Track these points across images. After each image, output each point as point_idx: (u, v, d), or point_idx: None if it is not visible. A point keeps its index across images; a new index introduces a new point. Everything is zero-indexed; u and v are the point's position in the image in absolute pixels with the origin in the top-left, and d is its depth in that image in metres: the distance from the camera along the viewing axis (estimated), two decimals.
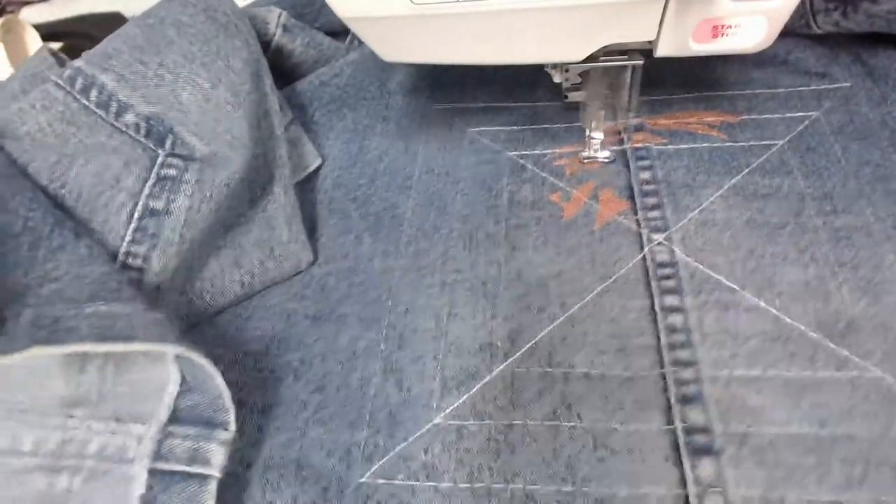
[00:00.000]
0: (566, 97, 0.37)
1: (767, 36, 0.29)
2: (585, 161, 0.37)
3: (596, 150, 0.37)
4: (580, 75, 0.35)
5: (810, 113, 0.37)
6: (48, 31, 0.52)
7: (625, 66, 0.33)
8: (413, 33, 0.30)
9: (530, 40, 0.30)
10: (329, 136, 0.41)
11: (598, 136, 0.36)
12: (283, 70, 0.43)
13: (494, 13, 0.28)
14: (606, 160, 0.37)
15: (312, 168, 0.39)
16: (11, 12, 0.56)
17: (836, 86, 0.38)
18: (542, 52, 0.32)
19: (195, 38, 0.33)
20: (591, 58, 0.31)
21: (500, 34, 0.30)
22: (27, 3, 0.56)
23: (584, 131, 0.37)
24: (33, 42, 0.51)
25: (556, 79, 0.36)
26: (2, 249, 0.25)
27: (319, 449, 0.27)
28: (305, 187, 0.38)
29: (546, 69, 0.36)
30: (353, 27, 0.31)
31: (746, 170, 0.35)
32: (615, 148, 0.37)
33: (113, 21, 0.52)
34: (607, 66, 0.33)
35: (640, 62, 0.33)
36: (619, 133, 0.38)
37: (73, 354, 0.26)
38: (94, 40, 0.35)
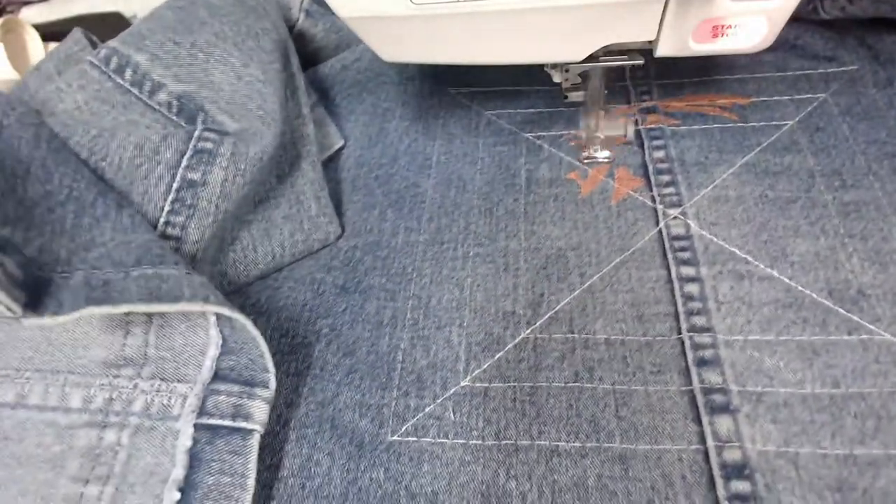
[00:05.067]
0: (566, 97, 0.37)
1: (767, 36, 0.29)
2: (585, 161, 0.38)
3: (596, 150, 0.37)
4: (580, 75, 0.36)
5: (818, 95, 0.38)
6: (48, 31, 0.52)
7: (625, 66, 0.33)
8: (413, 33, 0.31)
9: (530, 40, 0.31)
10: (350, 119, 0.42)
11: (598, 135, 0.37)
12: (305, 54, 0.44)
13: (494, 13, 0.28)
14: (606, 160, 0.37)
15: (336, 148, 0.40)
16: (11, 12, 0.56)
17: (843, 69, 0.40)
18: (542, 52, 0.32)
19: (226, 18, 0.34)
20: (591, 58, 0.32)
21: (500, 34, 0.30)
22: (27, 3, 0.57)
23: (588, 126, 0.37)
24: (33, 42, 0.51)
25: (556, 79, 0.36)
26: (49, 217, 0.26)
27: (352, 409, 0.28)
28: (329, 166, 0.39)
29: (546, 69, 0.36)
30: (353, 27, 0.31)
31: (758, 148, 0.36)
32: (631, 127, 0.38)
33: (112, 21, 0.52)
34: (607, 66, 0.34)
35: (640, 62, 0.33)
36: (629, 115, 0.39)
37: (118, 319, 0.27)
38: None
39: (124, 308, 0.22)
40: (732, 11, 0.28)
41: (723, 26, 0.29)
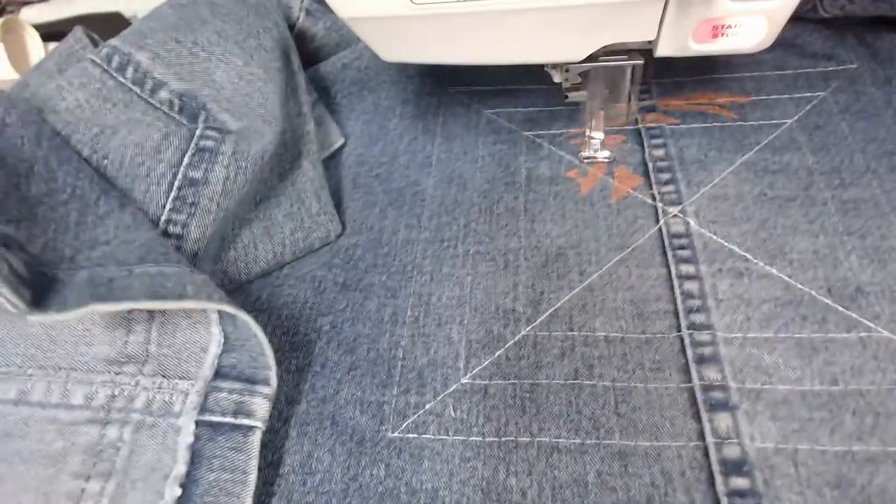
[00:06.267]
0: (566, 97, 0.37)
1: (767, 36, 0.29)
2: (585, 161, 0.38)
3: (596, 150, 0.37)
4: (580, 75, 0.36)
5: (818, 93, 0.39)
6: (48, 31, 0.52)
7: (625, 66, 0.33)
8: (413, 33, 0.31)
9: (530, 40, 0.31)
10: (350, 117, 0.43)
11: (598, 135, 0.37)
12: (306, 53, 0.44)
13: (494, 13, 0.28)
14: (607, 160, 0.37)
15: (336, 146, 0.40)
16: (11, 12, 0.56)
17: (842, 67, 0.40)
18: (542, 52, 0.32)
19: (228, 17, 0.34)
20: (591, 58, 0.32)
21: (500, 34, 0.30)
22: (27, 3, 0.57)
23: (588, 126, 0.37)
24: (33, 42, 0.51)
25: (556, 79, 0.36)
26: (53, 215, 0.26)
27: (353, 406, 0.29)
28: (329, 164, 0.39)
29: (546, 69, 0.36)
30: (354, 27, 0.31)
31: (757, 147, 0.36)
32: (629, 128, 0.38)
33: (113, 21, 0.52)
34: (607, 66, 0.33)
35: (640, 62, 0.33)
36: (629, 114, 0.39)
37: (120, 317, 0.27)
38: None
39: (128, 305, 0.23)
40: (732, 11, 0.28)
41: (723, 26, 0.29)
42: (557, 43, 0.31)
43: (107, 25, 0.48)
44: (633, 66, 0.33)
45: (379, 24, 0.30)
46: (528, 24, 0.29)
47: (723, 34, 0.29)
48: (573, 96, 0.37)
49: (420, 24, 0.30)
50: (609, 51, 0.32)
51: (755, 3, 0.28)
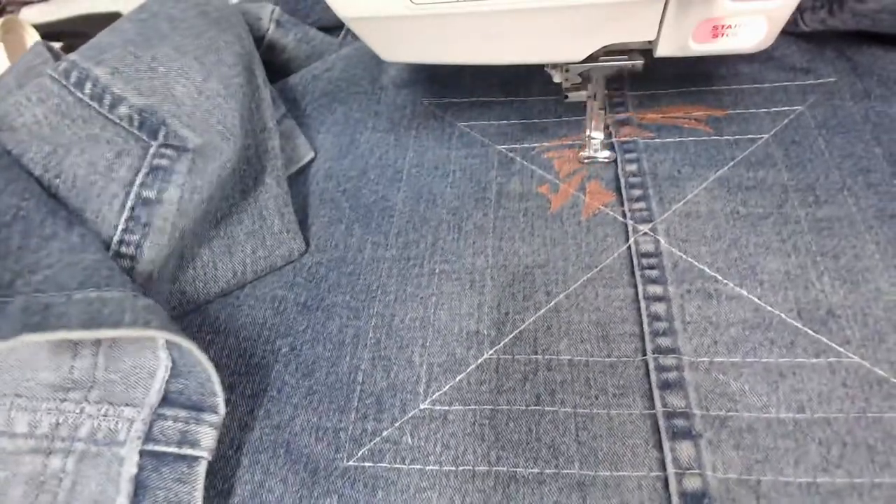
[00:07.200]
0: (566, 97, 0.37)
1: (767, 36, 0.29)
2: (585, 161, 0.37)
3: (596, 150, 0.37)
4: (580, 75, 0.36)
5: (795, 107, 0.38)
6: (48, 31, 0.52)
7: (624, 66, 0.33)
8: (413, 33, 0.31)
9: (530, 40, 0.30)
10: (320, 130, 0.42)
11: (598, 135, 0.37)
12: (276, 65, 0.43)
13: (494, 13, 0.28)
14: (606, 160, 0.37)
15: (305, 161, 0.39)
16: (11, 12, 0.56)
17: (820, 81, 0.39)
18: (542, 52, 0.32)
19: (187, 32, 0.33)
20: (591, 58, 0.32)
21: (500, 34, 0.30)
22: (27, 3, 0.57)
23: (580, 126, 0.37)
24: (33, 42, 0.51)
25: (556, 79, 0.36)
26: None
27: (308, 433, 0.28)
28: (297, 179, 0.39)
29: (546, 69, 0.36)
30: (353, 27, 0.31)
31: (731, 162, 0.35)
32: (606, 140, 0.38)
33: (113, 21, 0.52)
34: (607, 66, 0.33)
35: (640, 62, 0.33)
36: (607, 128, 0.38)
37: (65, 342, 0.26)
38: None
39: (61, 335, 0.22)
40: (732, 11, 0.28)
41: (723, 26, 0.29)
42: (557, 43, 0.31)
43: (107, 25, 0.47)
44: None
45: (379, 24, 0.30)
46: (528, 24, 0.29)
47: (723, 34, 0.29)
48: (573, 96, 0.37)
49: (420, 24, 0.30)
50: (609, 51, 0.32)
51: (755, 3, 0.28)
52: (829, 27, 0.39)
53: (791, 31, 0.41)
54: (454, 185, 0.37)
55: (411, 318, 0.31)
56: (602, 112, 0.36)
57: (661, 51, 0.31)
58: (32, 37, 0.51)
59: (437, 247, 0.34)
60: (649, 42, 0.31)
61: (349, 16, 0.30)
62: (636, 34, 0.30)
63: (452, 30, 0.30)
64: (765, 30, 0.29)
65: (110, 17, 0.53)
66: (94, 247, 0.27)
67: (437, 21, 0.29)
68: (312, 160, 0.40)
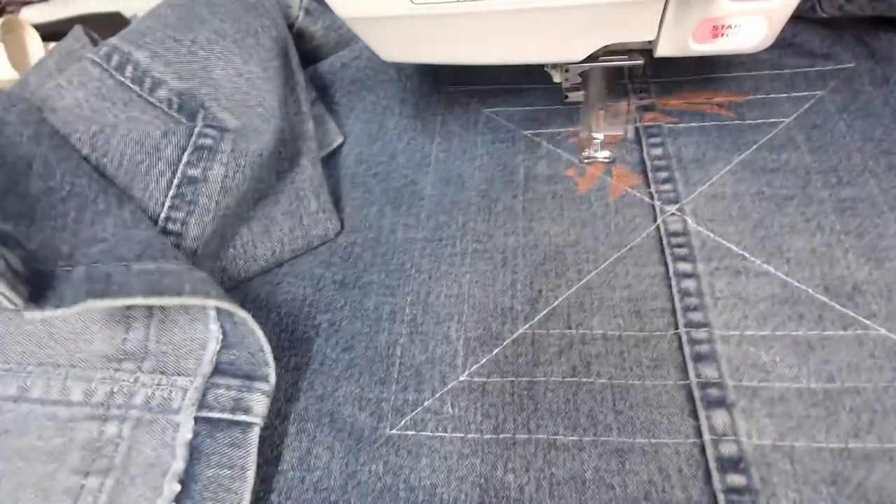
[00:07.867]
0: (566, 97, 0.37)
1: (767, 36, 0.29)
2: (585, 161, 0.38)
3: (596, 150, 0.38)
4: (580, 75, 0.36)
5: (815, 92, 0.39)
6: (48, 31, 0.52)
7: (623, 66, 0.34)
8: (413, 33, 0.31)
9: (530, 40, 0.31)
10: (350, 116, 0.43)
11: (599, 136, 0.37)
12: (305, 52, 0.44)
13: (494, 13, 0.29)
14: (606, 160, 0.37)
15: (335, 145, 0.40)
16: (11, 12, 0.56)
17: (840, 66, 0.40)
18: (542, 52, 0.32)
19: (226, 16, 0.34)
20: (591, 58, 0.32)
21: (500, 34, 0.30)
22: (27, 3, 0.57)
23: (588, 126, 0.37)
24: (33, 42, 0.51)
25: (556, 79, 0.36)
26: (51, 212, 0.26)
27: (351, 403, 0.29)
28: (328, 163, 0.39)
29: (546, 69, 0.36)
30: (354, 27, 0.31)
31: (754, 146, 0.36)
32: (630, 126, 0.38)
33: (113, 21, 0.53)
34: (607, 66, 0.34)
35: (640, 62, 0.33)
36: (629, 113, 0.39)
37: (119, 313, 0.27)
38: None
39: (125, 301, 0.23)
40: (732, 11, 0.28)
41: (723, 26, 0.29)
42: (557, 43, 0.31)
43: (107, 25, 0.48)
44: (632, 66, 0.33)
45: (379, 24, 0.30)
46: (528, 24, 0.29)
47: (723, 34, 0.29)
48: (573, 96, 0.37)
49: (420, 24, 0.30)
50: (609, 51, 0.32)
51: (755, 3, 0.28)
52: (846, 13, 0.40)
53: (810, 18, 0.42)
54: (482, 168, 0.38)
55: (446, 295, 0.32)
56: (602, 112, 0.37)
57: (661, 51, 0.31)
58: (32, 37, 0.51)
59: (468, 228, 0.35)
60: (649, 42, 0.31)
61: (349, 16, 0.30)
62: (636, 34, 0.30)
63: (452, 30, 0.30)
64: (765, 30, 0.29)
65: (110, 17, 0.54)
66: (144, 223, 0.28)
67: (437, 21, 0.29)
68: (341, 145, 0.41)
